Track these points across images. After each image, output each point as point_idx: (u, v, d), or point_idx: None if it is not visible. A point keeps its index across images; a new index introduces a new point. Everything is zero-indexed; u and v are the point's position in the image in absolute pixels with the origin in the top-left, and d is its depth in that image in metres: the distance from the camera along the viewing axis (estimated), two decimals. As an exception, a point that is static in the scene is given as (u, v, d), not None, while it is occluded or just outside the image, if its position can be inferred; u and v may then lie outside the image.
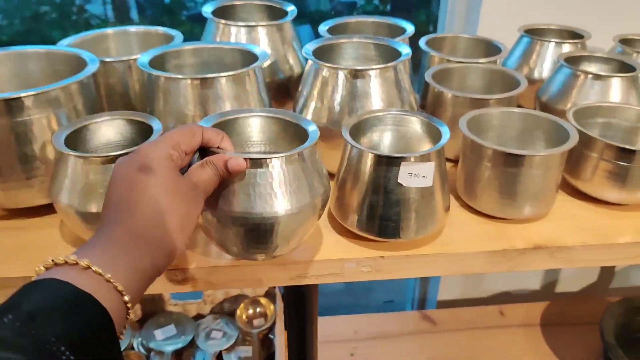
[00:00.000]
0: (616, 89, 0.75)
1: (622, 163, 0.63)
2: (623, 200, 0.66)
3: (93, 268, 0.35)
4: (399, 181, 0.55)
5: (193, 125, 0.47)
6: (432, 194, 0.57)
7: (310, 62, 0.69)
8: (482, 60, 0.80)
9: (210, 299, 1.21)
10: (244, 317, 1.15)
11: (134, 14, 1.30)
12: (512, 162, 0.60)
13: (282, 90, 0.81)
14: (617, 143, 0.63)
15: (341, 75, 0.65)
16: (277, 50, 0.80)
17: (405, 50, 0.70)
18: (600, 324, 1.11)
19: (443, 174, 0.59)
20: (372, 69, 0.65)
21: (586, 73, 0.76)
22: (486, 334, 1.24)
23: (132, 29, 0.84)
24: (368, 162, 0.56)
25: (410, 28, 0.84)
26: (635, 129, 0.72)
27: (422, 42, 0.86)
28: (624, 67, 0.80)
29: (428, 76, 0.75)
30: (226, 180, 0.47)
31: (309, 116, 0.68)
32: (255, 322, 1.15)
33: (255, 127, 0.58)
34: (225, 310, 1.19)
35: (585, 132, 0.65)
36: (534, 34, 0.91)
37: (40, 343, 0.30)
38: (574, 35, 0.93)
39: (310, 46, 0.71)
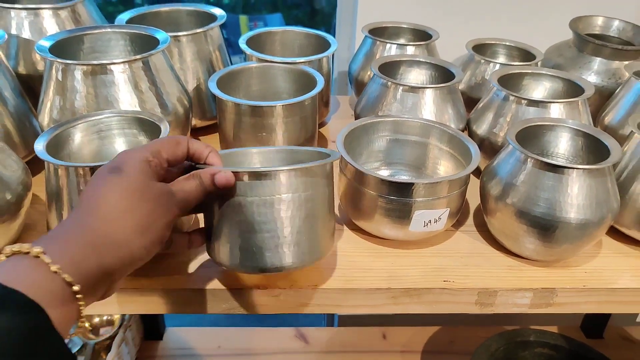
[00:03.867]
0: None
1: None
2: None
3: (42, 258, 0.35)
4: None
5: (179, 136, 0.46)
6: None
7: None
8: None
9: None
10: (86, 324, 1.06)
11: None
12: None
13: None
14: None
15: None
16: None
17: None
18: (472, 358, 1.00)
19: None
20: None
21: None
22: (361, 358, 1.14)
23: None
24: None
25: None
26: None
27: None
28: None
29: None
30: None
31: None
32: (102, 330, 1.07)
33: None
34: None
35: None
36: (376, 34, 0.81)
37: None
38: (425, 35, 0.83)
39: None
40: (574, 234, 0.51)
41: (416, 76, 0.74)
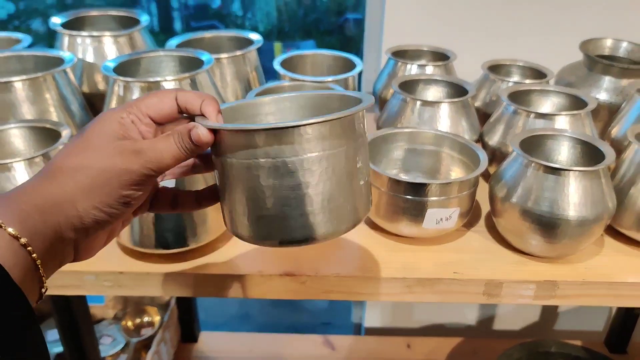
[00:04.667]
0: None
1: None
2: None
3: None
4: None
5: (167, 89, 0.41)
6: None
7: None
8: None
9: (112, 303, 1.22)
10: (129, 324, 1.15)
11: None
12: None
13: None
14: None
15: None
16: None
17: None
18: (493, 366, 1.04)
19: None
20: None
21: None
22: (386, 366, 1.19)
23: None
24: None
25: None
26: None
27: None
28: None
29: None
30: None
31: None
32: (143, 330, 1.15)
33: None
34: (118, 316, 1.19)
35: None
36: (399, 56, 0.89)
37: None
38: (443, 57, 0.90)
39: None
40: (572, 230, 0.57)
41: (433, 93, 0.80)
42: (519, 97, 0.76)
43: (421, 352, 1.21)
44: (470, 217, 0.67)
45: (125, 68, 0.70)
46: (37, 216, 0.35)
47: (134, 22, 0.87)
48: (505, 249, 0.62)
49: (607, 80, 0.83)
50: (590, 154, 0.62)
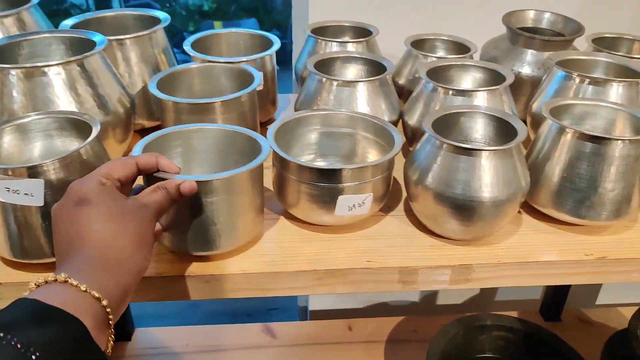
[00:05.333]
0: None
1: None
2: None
3: (70, 281, 0.38)
4: None
5: (124, 157, 0.49)
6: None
7: None
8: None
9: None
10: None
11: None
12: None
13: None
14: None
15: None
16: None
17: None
18: (430, 344, 1.04)
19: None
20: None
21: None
22: (328, 350, 1.17)
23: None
24: None
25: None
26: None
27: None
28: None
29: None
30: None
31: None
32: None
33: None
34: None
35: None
36: (320, 33, 0.84)
37: (9, 350, 0.32)
38: (366, 33, 0.86)
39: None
40: (486, 212, 0.55)
41: (353, 71, 0.77)
42: (440, 73, 0.73)
43: (362, 334, 1.20)
44: (390, 200, 0.64)
45: (7, 53, 0.64)
46: (111, 280, 0.40)
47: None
48: (423, 234, 0.60)
49: (529, 54, 0.82)
50: (504, 131, 0.60)
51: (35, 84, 0.58)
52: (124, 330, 1.16)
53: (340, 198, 0.56)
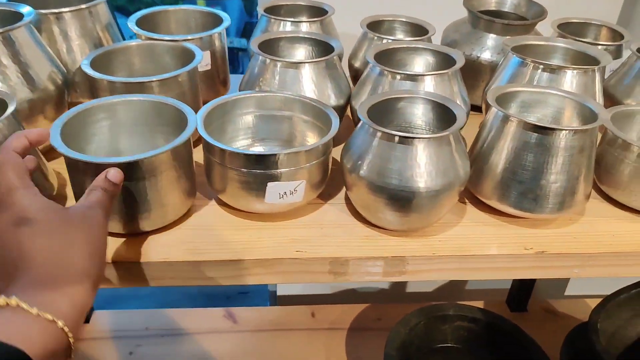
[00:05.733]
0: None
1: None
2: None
3: (21, 305, 0.35)
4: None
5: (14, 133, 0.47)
6: None
7: None
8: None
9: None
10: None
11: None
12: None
13: None
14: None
15: None
16: None
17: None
18: (390, 333, 1.02)
19: None
20: None
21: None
22: (289, 336, 1.16)
23: None
24: None
25: None
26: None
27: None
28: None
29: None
30: None
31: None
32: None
33: None
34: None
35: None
36: (273, 12, 0.81)
37: None
38: (321, 12, 0.83)
39: None
40: (421, 202, 0.52)
41: (301, 52, 0.74)
42: (391, 56, 0.70)
43: (325, 321, 1.19)
44: (330, 188, 0.62)
45: None
46: (65, 301, 0.38)
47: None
48: (360, 224, 0.58)
49: (490, 38, 0.79)
50: (447, 117, 0.57)
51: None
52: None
53: (270, 185, 0.53)
